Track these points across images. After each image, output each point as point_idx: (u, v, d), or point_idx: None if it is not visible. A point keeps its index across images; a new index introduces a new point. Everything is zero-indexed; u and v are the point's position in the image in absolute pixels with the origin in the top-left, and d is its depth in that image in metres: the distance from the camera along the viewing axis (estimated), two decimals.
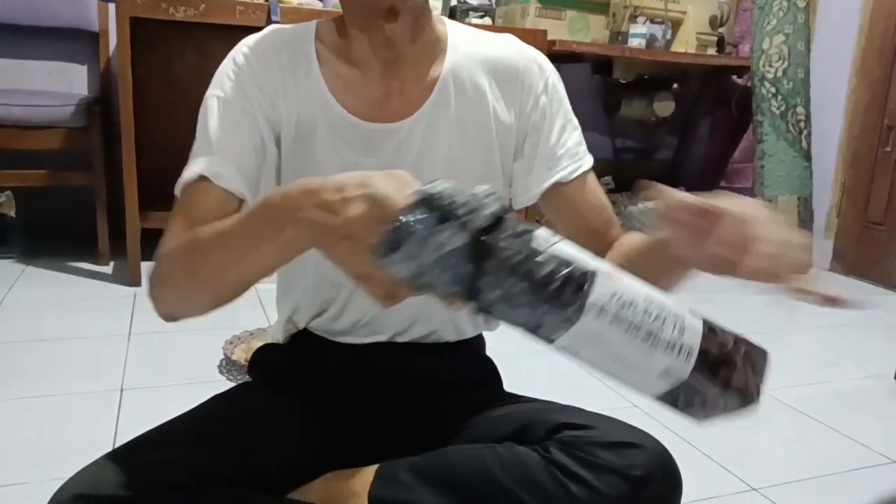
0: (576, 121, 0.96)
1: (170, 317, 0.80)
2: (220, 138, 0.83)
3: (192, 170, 0.83)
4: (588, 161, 0.94)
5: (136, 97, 2.15)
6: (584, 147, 0.95)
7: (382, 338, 0.96)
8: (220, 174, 0.82)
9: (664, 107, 3.09)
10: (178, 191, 0.84)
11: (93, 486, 0.72)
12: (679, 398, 0.59)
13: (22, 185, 2.31)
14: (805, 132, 2.93)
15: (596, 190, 0.94)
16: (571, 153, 0.92)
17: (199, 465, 0.77)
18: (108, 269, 2.38)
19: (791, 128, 2.91)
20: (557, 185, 0.92)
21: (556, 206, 0.94)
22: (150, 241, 2.37)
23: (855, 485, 1.30)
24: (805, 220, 2.93)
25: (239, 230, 0.70)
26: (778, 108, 2.92)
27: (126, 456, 0.79)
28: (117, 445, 0.80)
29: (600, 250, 0.89)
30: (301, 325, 0.98)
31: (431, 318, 0.96)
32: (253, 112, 0.85)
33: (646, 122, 3.24)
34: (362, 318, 0.94)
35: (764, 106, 2.94)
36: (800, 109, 2.92)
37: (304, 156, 0.88)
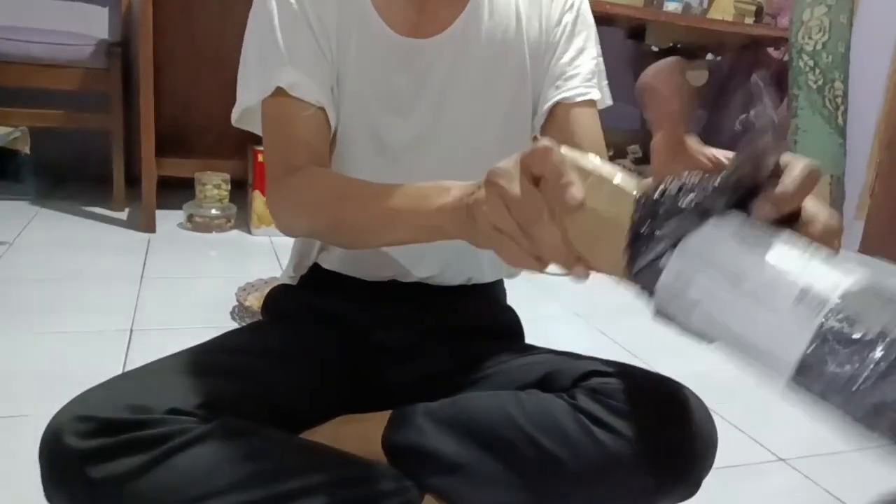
0: (600, 56, 0.92)
1: (288, 233, 0.85)
2: (290, 46, 0.81)
3: (268, 84, 0.81)
4: (597, 94, 0.89)
5: (157, 43, 2.11)
6: (599, 82, 0.90)
7: (408, 278, 0.92)
8: (297, 84, 0.81)
9: (697, 76, 3.00)
10: (252, 101, 0.83)
11: (95, 408, 0.68)
12: (826, 354, 0.40)
13: (39, 125, 2.28)
14: (842, 109, 2.83)
15: (596, 130, 0.89)
16: (584, 78, 0.88)
17: (208, 393, 0.74)
18: (122, 214, 2.35)
19: (828, 103, 2.81)
20: (559, 106, 0.88)
21: (553, 130, 0.89)
22: (166, 188, 2.38)
23: (887, 459, 1.24)
24: (837, 199, 2.85)
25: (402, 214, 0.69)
26: (815, 82, 2.82)
27: (132, 380, 0.75)
28: None
29: None
30: (324, 263, 0.94)
31: (464, 263, 0.92)
32: (308, 17, 0.82)
33: None
34: (390, 258, 0.90)
35: (801, 79, 2.84)
36: (838, 85, 2.82)
37: (338, 65, 0.85)
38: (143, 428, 0.67)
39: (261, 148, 0.90)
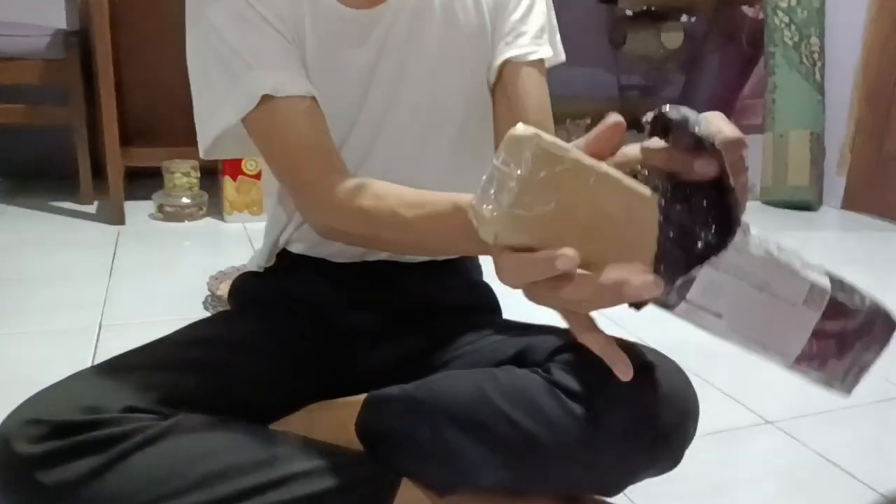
0: (552, 15, 0.88)
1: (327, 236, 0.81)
2: (253, 48, 0.75)
3: (246, 96, 0.74)
4: (546, 52, 0.85)
5: (118, 31, 2.04)
6: (551, 37, 0.87)
7: (378, 256, 0.89)
8: (281, 85, 0.74)
9: (673, 38, 2.96)
10: (232, 120, 0.76)
11: (46, 411, 0.65)
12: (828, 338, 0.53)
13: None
14: (819, 64, 2.80)
15: (542, 91, 0.85)
16: (533, 35, 0.84)
17: (168, 389, 0.70)
18: (91, 208, 2.29)
19: (805, 59, 2.78)
20: (507, 65, 0.84)
21: (500, 90, 0.85)
22: (135, 180, 2.32)
23: (876, 417, 1.23)
24: (817, 155, 2.82)
25: (425, 234, 0.68)
26: (791, 38, 2.79)
27: (86, 379, 0.71)
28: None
29: None
30: (293, 248, 0.90)
31: None
32: (256, 10, 0.76)
33: (652, 56, 3.11)
34: None
35: (776, 36, 2.81)
36: (814, 40, 2.79)
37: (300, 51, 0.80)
38: (97, 428, 0.64)
39: None
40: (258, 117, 0.75)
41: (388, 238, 0.72)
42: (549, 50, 0.86)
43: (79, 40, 2.24)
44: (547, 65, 0.88)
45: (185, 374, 0.74)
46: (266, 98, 0.73)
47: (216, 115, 0.77)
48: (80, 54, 2.22)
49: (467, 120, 0.88)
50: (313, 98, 0.76)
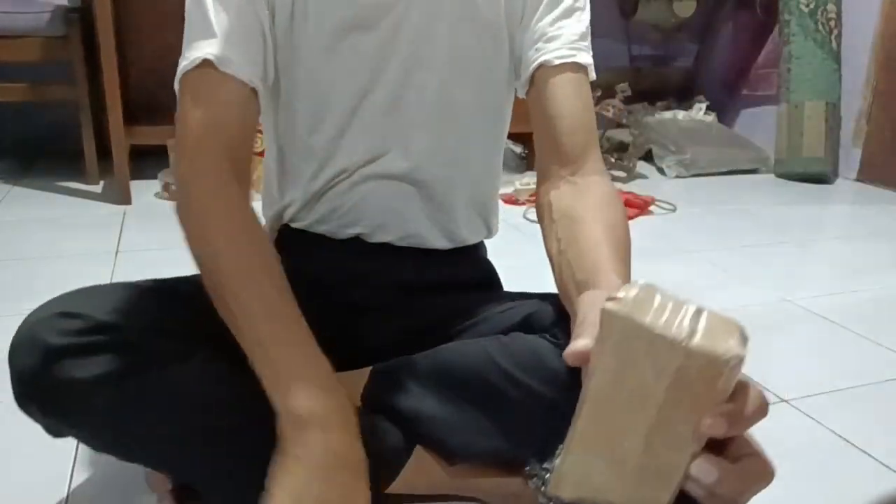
0: (587, 19, 0.82)
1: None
2: (221, 18, 0.72)
3: (193, 54, 0.71)
4: (584, 58, 0.79)
5: (120, 6, 2.02)
6: (585, 45, 0.80)
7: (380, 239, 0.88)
8: (228, 59, 0.71)
9: (685, 6, 2.90)
10: (177, 83, 0.74)
11: (80, 307, 0.67)
12: None
13: (1, 101, 2.20)
14: (835, 32, 2.73)
15: (580, 100, 0.78)
16: (568, 40, 0.78)
17: (193, 327, 0.71)
18: (97, 188, 2.28)
19: (820, 27, 2.71)
20: (540, 70, 0.79)
21: (534, 97, 0.80)
22: (140, 158, 2.29)
23: (892, 396, 1.20)
24: (833, 126, 2.77)
25: (247, 342, 0.66)
26: (807, 6, 2.72)
27: (117, 292, 0.72)
28: None
29: (554, 181, 0.76)
30: (296, 223, 0.89)
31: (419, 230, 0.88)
32: None
33: (664, 25, 3.05)
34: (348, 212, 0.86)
35: (791, 4, 2.74)
36: (830, 7, 2.72)
37: (299, 36, 0.78)
38: (128, 334, 0.66)
39: None
40: (194, 75, 0.71)
41: (205, 277, 0.69)
42: (589, 58, 0.80)
43: (80, 16, 2.20)
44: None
45: (203, 316, 0.72)
46: (207, 62, 0.70)
47: (183, 58, 0.75)
48: (82, 31, 2.18)
49: (480, 112, 0.86)
50: (254, 91, 0.73)
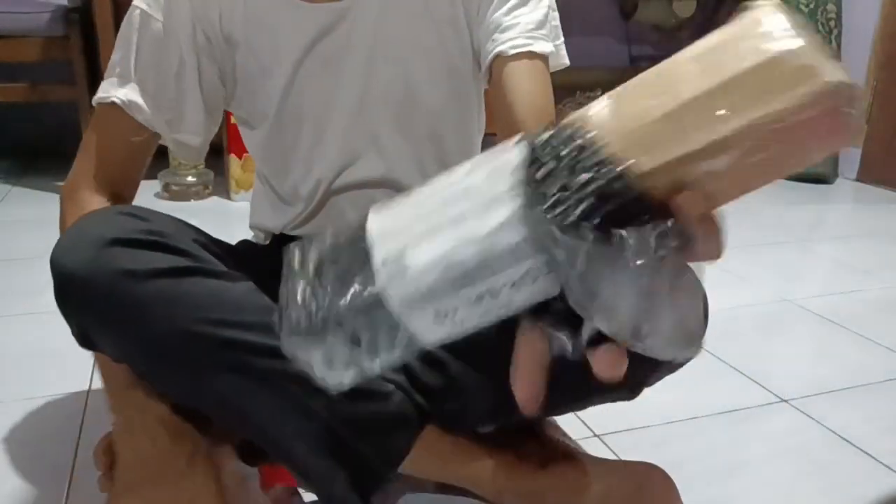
0: (553, 9, 0.82)
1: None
2: (140, 64, 0.79)
3: (107, 90, 0.79)
4: (542, 47, 0.78)
5: (119, 5, 2.00)
6: (543, 34, 0.79)
7: None
8: (137, 106, 0.78)
9: (685, 6, 2.90)
10: (94, 101, 0.81)
11: (140, 213, 0.70)
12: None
13: (2, 101, 2.19)
14: (835, 32, 2.73)
15: (535, 88, 0.78)
16: (523, 29, 0.78)
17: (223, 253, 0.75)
18: None
19: (820, 27, 2.71)
20: (497, 61, 0.78)
21: (492, 89, 0.80)
22: None
23: (892, 395, 1.20)
24: None
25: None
26: (807, 5, 2.72)
27: (169, 218, 0.74)
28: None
29: None
30: (293, 232, 0.91)
31: None
32: (176, 28, 0.78)
33: (664, 25, 3.04)
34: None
35: (792, 3, 2.74)
36: (830, 7, 2.72)
37: (259, 51, 0.81)
38: (184, 244, 0.69)
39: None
40: (103, 109, 0.80)
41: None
42: (548, 45, 0.79)
43: (80, 16, 2.20)
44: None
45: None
46: (113, 104, 0.79)
47: (102, 86, 0.82)
48: (82, 31, 2.18)
49: (445, 109, 0.86)
50: (153, 134, 0.81)
